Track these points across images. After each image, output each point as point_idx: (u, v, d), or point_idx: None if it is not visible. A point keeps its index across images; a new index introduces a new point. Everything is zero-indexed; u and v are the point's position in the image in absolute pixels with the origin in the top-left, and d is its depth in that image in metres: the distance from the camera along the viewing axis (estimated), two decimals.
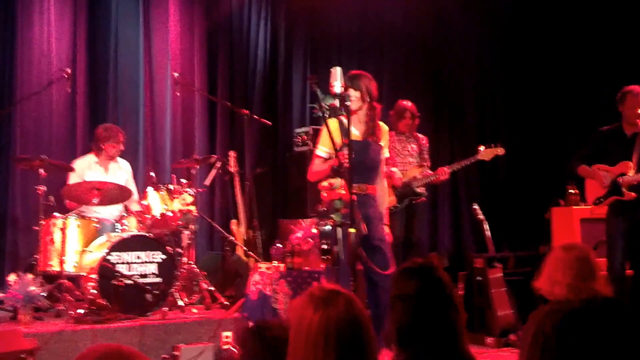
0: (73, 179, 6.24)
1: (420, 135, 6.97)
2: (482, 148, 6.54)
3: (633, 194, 5.67)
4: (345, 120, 4.39)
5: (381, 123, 4.97)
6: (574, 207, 7.21)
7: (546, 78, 9.00)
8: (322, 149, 4.83)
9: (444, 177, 6.61)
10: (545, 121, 8.97)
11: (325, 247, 4.41)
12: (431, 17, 9.28)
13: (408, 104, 6.88)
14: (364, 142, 4.79)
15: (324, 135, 4.82)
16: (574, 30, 8.73)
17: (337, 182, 4.43)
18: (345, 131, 4.40)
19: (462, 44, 9.41)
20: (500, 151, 6.52)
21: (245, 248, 6.44)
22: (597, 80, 8.32)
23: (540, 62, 9.05)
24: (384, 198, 5.05)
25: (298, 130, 7.94)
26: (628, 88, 5.88)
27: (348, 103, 4.41)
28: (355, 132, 4.72)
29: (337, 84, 4.28)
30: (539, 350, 1.73)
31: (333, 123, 4.68)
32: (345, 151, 4.23)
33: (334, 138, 4.42)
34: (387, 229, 4.93)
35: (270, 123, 6.95)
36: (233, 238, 6.68)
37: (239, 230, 6.80)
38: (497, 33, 9.50)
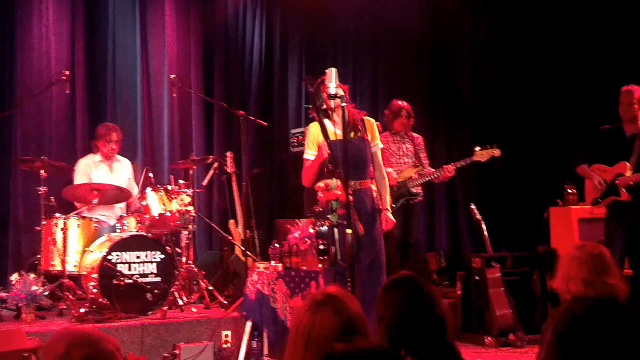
0: (78, 178, 6.31)
1: (415, 135, 7.00)
2: (477, 149, 6.54)
3: (629, 194, 5.72)
4: (327, 122, 4.53)
5: (367, 117, 4.98)
6: (572, 206, 7.20)
7: (544, 77, 8.98)
8: (310, 152, 4.88)
9: (449, 174, 6.59)
10: (542, 120, 8.94)
11: (322, 247, 4.47)
12: (427, 17, 9.32)
13: (403, 103, 6.92)
14: (342, 140, 4.75)
15: (309, 139, 4.90)
16: (572, 30, 8.73)
17: (333, 182, 4.49)
18: (326, 132, 4.50)
19: (459, 44, 9.43)
20: (497, 152, 6.51)
21: (243, 248, 6.50)
22: (595, 80, 8.32)
23: (538, 61, 9.04)
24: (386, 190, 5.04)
25: (294, 130, 7.96)
26: (623, 88, 5.94)
27: (344, 104, 4.49)
28: (337, 131, 4.72)
29: (332, 85, 4.35)
30: (558, 347, 1.78)
31: (314, 126, 4.79)
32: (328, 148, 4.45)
33: (317, 140, 4.68)
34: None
35: (266, 124, 6.99)
36: (231, 238, 6.74)
37: (236, 230, 6.85)
38: (494, 32, 9.53)
